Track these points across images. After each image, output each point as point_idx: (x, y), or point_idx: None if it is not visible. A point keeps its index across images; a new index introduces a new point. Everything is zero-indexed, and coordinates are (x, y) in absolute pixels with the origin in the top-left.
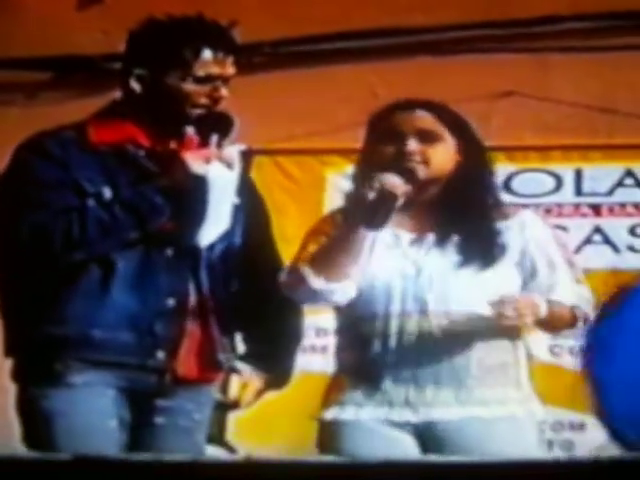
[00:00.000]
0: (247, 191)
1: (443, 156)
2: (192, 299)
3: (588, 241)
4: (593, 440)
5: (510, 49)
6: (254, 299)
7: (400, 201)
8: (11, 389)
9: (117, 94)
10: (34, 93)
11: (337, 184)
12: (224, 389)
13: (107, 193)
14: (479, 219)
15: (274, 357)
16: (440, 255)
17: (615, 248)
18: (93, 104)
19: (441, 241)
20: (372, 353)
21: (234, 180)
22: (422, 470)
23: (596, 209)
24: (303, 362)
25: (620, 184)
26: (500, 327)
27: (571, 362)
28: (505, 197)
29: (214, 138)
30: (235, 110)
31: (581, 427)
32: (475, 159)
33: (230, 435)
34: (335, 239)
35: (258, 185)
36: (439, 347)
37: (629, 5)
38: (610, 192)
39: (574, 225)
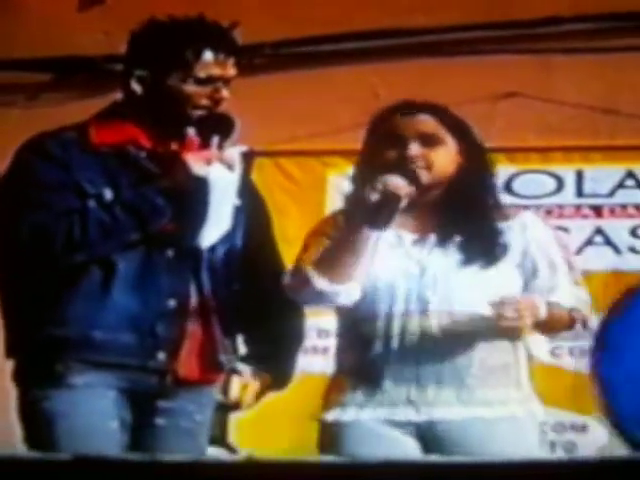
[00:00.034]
0: (248, 192)
1: (445, 159)
2: (193, 300)
3: (589, 242)
4: (595, 441)
5: (512, 50)
6: (255, 300)
7: (404, 202)
8: (12, 390)
9: (118, 95)
10: (35, 94)
11: (338, 185)
12: (225, 390)
13: (108, 194)
14: (480, 220)
15: (275, 358)
16: (443, 255)
17: (616, 249)
18: (94, 105)
19: (443, 241)
20: (374, 353)
21: (235, 181)
22: (423, 470)
23: (597, 210)
24: (304, 363)
25: (621, 185)
26: (501, 327)
27: (571, 363)
28: (506, 198)
29: (215, 139)
30: (236, 111)
31: (583, 428)
32: (476, 161)
33: (231, 436)
34: (339, 240)
35: (259, 186)
36: (441, 347)
37: (631, 6)
38: (611, 193)
39: (575, 226)
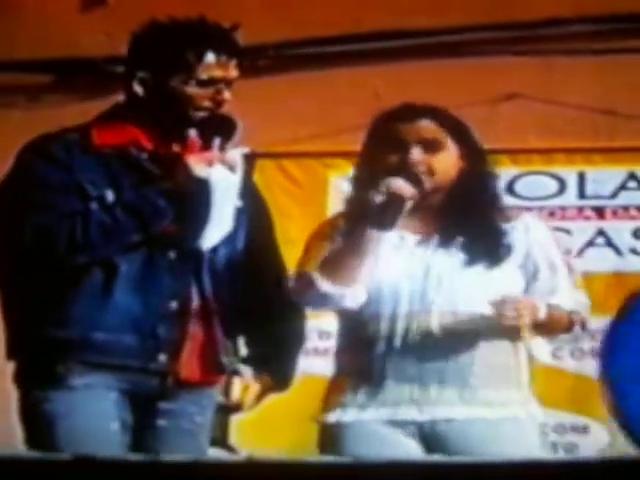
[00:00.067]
0: (250, 194)
1: (446, 165)
2: (195, 302)
3: (591, 244)
4: (597, 443)
5: (514, 52)
6: (257, 302)
7: (408, 204)
8: (13, 392)
9: (120, 97)
10: (36, 96)
11: (340, 186)
12: (226, 392)
13: (110, 196)
14: (483, 222)
15: (276, 360)
16: (446, 255)
17: (618, 251)
18: (96, 107)
19: (446, 242)
20: (377, 353)
21: (237, 183)
22: (424, 470)
23: (599, 212)
24: (305, 365)
25: (623, 187)
26: (504, 328)
27: (572, 365)
28: (509, 200)
29: (217, 141)
30: (238, 113)
31: (584, 430)
32: (477, 164)
33: (232, 438)
34: (343, 243)
35: (261, 188)
36: (444, 346)
37: (632, 8)
38: (613, 195)
39: (577, 228)
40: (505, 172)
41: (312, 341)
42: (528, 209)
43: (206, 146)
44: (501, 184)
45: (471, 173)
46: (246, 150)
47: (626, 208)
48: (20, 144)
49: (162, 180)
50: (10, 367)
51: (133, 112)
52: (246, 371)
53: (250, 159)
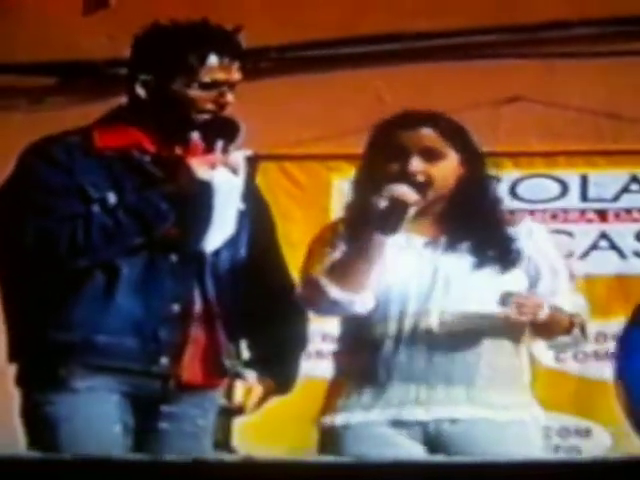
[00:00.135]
0: (252, 197)
1: (445, 173)
2: (197, 305)
3: (594, 247)
4: (599, 446)
5: (516, 54)
6: (259, 305)
7: (411, 210)
8: (15, 394)
9: (122, 99)
10: (38, 98)
11: (343, 189)
12: (229, 395)
13: (112, 198)
14: (488, 226)
15: (279, 363)
16: (453, 257)
17: (621, 254)
18: (98, 109)
19: (454, 244)
20: (383, 354)
21: (239, 186)
22: (425, 470)
23: (602, 215)
24: (308, 368)
25: (626, 190)
26: (508, 329)
27: (575, 368)
28: (511, 203)
29: (219, 144)
30: (241, 115)
31: (587, 433)
32: (477, 170)
33: (235, 440)
34: (350, 248)
35: (263, 191)
36: (451, 346)
37: (635, 11)
38: (616, 198)
39: (580, 231)
40: (507, 175)
41: (315, 344)
42: (531, 212)
43: (209, 149)
44: (503, 187)
45: (471, 179)
46: (249, 153)
47: (629, 211)
48: (22, 146)
49: (164, 183)
50: (12, 369)
51: (135, 115)
52: (249, 374)
53: (253, 162)
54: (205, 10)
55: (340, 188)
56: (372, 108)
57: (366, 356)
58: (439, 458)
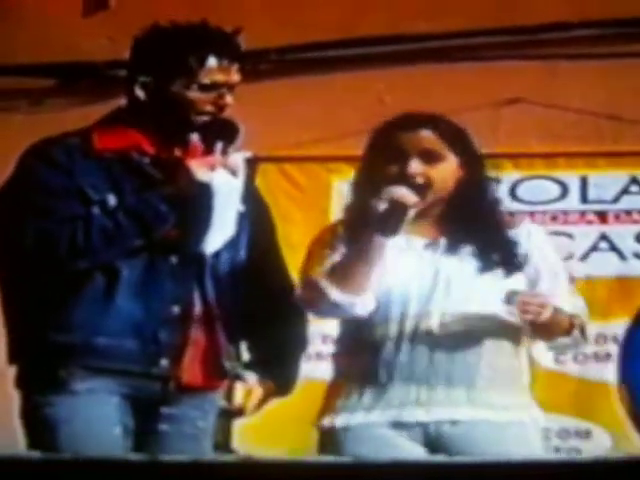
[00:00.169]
0: (252, 198)
1: (445, 175)
2: (197, 307)
3: (594, 248)
4: (599, 447)
5: (516, 56)
6: (259, 306)
7: (411, 212)
8: (15, 396)
9: (122, 101)
10: (38, 100)
11: (343, 191)
12: (229, 396)
13: (112, 200)
14: (488, 229)
15: (279, 364)
16: (454, 258)
17: (621, 255)
18: (97, 111)
19: (454, 245)
20: (383, 355)
21: (239, 187)
22: (425, 470)
23: (602, 216)
24: (308, 369)
25: (626, 191)
26: (508, 330)
27: (575, 369)
28: (511, 204)
29: (219, 145)
30: (240, 117)
31: (587, 434)
32: (476, 172)
33: (235, 442)
34: (350, 250)
35: (263, 192)
36: (451, 347)
37: (635, 12)
38: (616, 199)
39: (580, 232)
40: (507, 176)
41: (315, 345)
42: (531, 213)
43: (208, 150)
44: (503, 188)
45: (470, 181)
46: (248, 154)
47: (629, 212)
48: (22, 148)
49: (164, 185)
50: (12, 371)
51: (135, 116)
52: (249, 376)
53: (252, 163)
54: (205, 12)
55: (340, 190)
56: (372, 110)
57: (367, 357)
58: (439, 458)
